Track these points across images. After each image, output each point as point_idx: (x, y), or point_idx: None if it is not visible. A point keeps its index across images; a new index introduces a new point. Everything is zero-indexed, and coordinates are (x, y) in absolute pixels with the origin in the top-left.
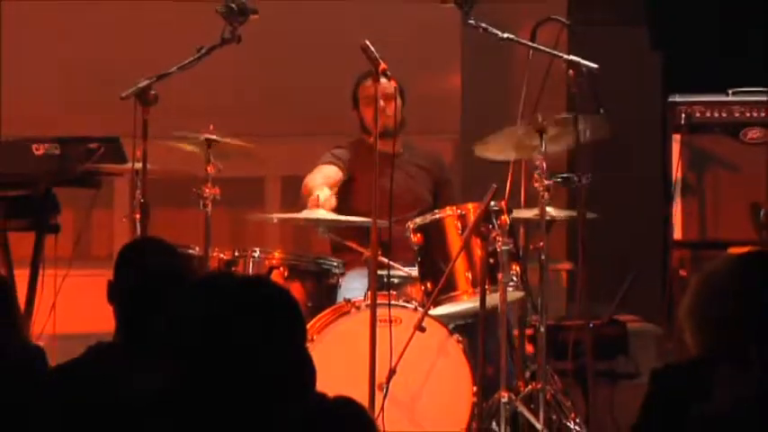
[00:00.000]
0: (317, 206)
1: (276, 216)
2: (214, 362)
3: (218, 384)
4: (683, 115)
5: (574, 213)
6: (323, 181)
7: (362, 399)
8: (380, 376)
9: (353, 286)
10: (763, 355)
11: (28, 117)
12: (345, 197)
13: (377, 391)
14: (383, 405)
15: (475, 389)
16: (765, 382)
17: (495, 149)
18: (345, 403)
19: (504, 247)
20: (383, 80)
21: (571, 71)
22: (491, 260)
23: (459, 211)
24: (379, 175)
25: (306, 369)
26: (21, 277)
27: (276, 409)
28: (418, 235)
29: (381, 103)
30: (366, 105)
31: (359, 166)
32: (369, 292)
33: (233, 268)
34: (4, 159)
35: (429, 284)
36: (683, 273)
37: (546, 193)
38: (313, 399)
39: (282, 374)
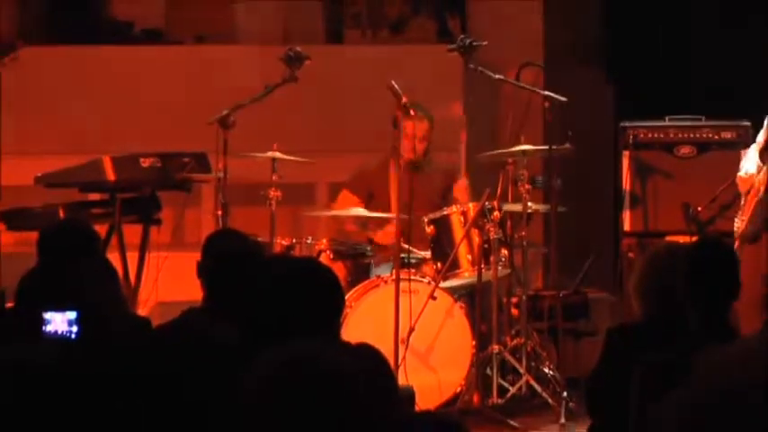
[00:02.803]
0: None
1: (324, 213)
2: (278, 318)
3: (278, 331)
4: (631, 136)
5: (548, 209)
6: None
7: (389, 351)
8: (403, 333)
9: (383, 266)
10: (702, 318)
11: (137, 138)
12: (376, 203)
13: (400, 345)
14: (405, 355)
15: (474, 342)
16: (699, 335)
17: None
18: (365, 345)
19: (495, 236)
20: (419, 122)
21: (546, 103)
22: (486, 245)
23: (461, 208)
24: (403, 183)
25: (338, 320)
26: (131, 259)
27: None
28: (431, 227)
29: (419, 140)
30: (404, 138)
31: (383, 177)
32: (394, 271)
33: (291, 252)
34: (120, 170)
35: (439, 264)
36: (630, 255)
37: (527, 194)
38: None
39: (324, 321)
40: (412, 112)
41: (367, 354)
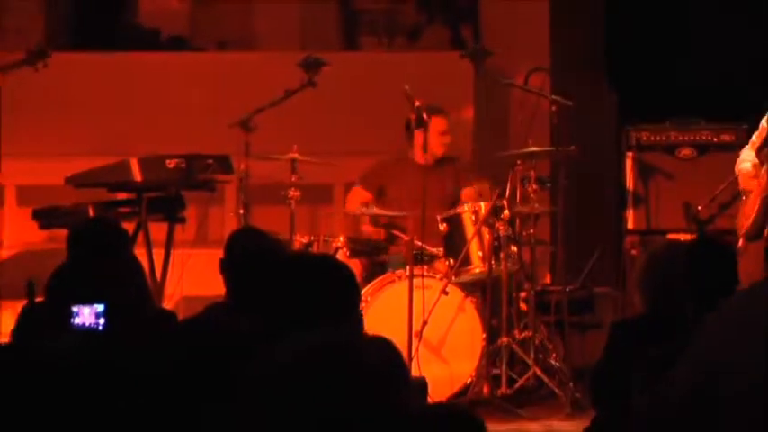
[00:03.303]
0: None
1: (341, 211)
2: (297, 310)
3: (298, 324)
4: (634, 139)
5: (555, 209)
6: (358, 206)
7: (403, 343)
8: (416, 327)
9: (397, 262)
10: (696, 310)
11: (163, 140)
12: (385, 201)
13: (414, 338)
14: (418, 347)
15: (484, 335)
16: (696, 330)
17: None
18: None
19: (505, 234)
20: (438, 117)
21: (553, 107)
22: (496, 243)
23: (473, 207)
24: (418, 181)
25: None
26: (157, 255)
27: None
28: (444, 224)
29: (443, 137)
30: (430, 136)
31: (395, 175)
32: (408, 267)
33: (309, 249)
34: (146, 171)
35: (451, 260)
36: (633, 252)
37: (535, 195)
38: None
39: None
40: (425, 116)
41: (381, 345)
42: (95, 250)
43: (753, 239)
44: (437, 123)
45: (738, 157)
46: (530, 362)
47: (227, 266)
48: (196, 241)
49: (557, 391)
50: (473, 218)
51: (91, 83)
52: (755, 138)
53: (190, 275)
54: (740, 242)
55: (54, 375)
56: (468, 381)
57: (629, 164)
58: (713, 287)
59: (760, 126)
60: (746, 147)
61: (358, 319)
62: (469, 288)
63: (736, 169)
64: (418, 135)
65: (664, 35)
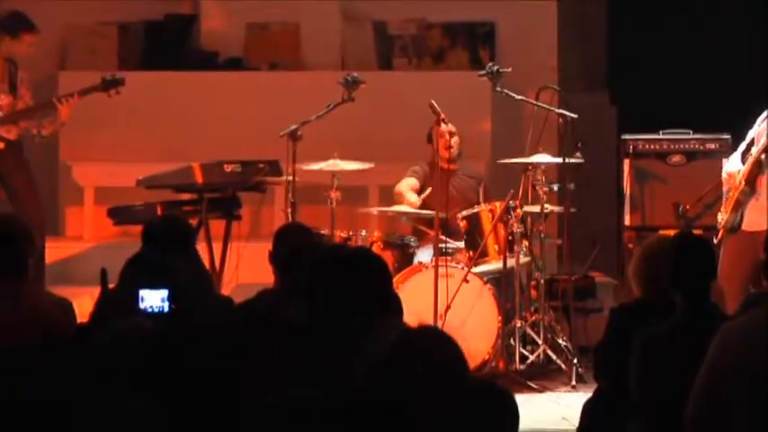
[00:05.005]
0: (410, 205)
1: (376, 209)
2: (340, 297)
3: (341, 310)
4: (631, 147)
5: (562, 208)
6: (407, 188)
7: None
8: (440, 311)
9: (424, 255)
10: (686, 298)
11: (222, 148)
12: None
13: (438, 320)
14: (442, 328)
15: (500, 318)
16: (687, 314)
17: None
18: (431, 327)
19: (517, 230)
20: (450, 125)
21: (560, 119)
22: (510, 238)
23: (489, 206)
24: (443, 184)
25: (395, 298)
26: (216, 249)
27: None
28: (464, 222)
29: (455, 139)
30: (441, 139)
31: (430, 177)
32: (433, 258)
33: (348, 243)
34: (207, 174)
35: (471, 253)
36: (630, 246)
37: (545, 195)
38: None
39: (379, 301)
40: (443, 118)
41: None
42: (167, 244)
43: (730, 231)
44: (449, 127)
45: (724, 163)
46: (539, 341)
47: (275, 258)
48: (250, 235)
49: (563, 366)
50: (490, 216)
51: (159, 98)
52: (743, 146)
53: (244, 265)
54: (720, 234)
55: (127, 353)
56: (486, 357)
57: (626, 169)
58: (693, 274)
59: (748, 135)
60: (735, 153)
61: (398, 308)
62: (487, 277)
63: (723, 172)
64: (444, 131)
65: (657, 58)
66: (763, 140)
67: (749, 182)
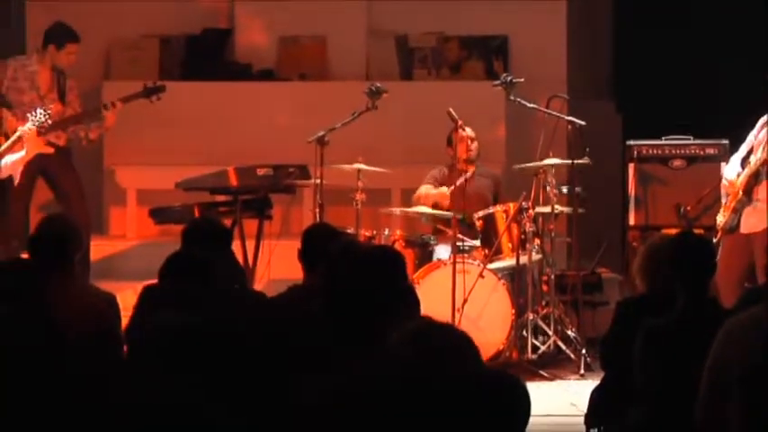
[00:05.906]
0: (441, 195)
1: (398, 210)
2: (362, 291)
3: (362, 306)
4: (635, 152)
5: (571, 209)
6: (426, 192)
7: (446, 318)
8: (458, 304)
9: (443, 252)
10: (686, 293)
11: (255, 152)
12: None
13: (456, 313)
14: (459, 320)
15: (513, 311)
16: (688, 307)
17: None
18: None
19: (530, 229)
20: (468, 130)
21: (569, 126)
22: (523, 236)
23: (504, 207)
24: (461, 186)
25: (412, 294)
26: (250, 246)
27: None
28: (480, 221)
29: (474, 144)
30: (460, 143)
31: (449, 179)
32: (451, 255)
33: (372, 241)
34: (241, 177)
35: (487, 250)
36: (634, 244)
37: (555, 197)
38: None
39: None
40: (461, 125)
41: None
42: (205, 242)
43: (727, 232)
44: (467, 132)
45: (722, 167)
46: (550, 333)
47: (304, 255)
48: (281, 234)
49: (572, 356)
50: (504, 216)
51: (197, 106)
52: (743, 150)
53: (276, 262)
54: (718, 234)
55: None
56: (501, 348)
57: (631, 172)
58: (693, 271)
59: (747, 139)
60: (734, 156)
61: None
62: (501, 273)
63: (723, 179)
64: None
65: (660, 69)
66: (760, 152)
67: (746, 192)
